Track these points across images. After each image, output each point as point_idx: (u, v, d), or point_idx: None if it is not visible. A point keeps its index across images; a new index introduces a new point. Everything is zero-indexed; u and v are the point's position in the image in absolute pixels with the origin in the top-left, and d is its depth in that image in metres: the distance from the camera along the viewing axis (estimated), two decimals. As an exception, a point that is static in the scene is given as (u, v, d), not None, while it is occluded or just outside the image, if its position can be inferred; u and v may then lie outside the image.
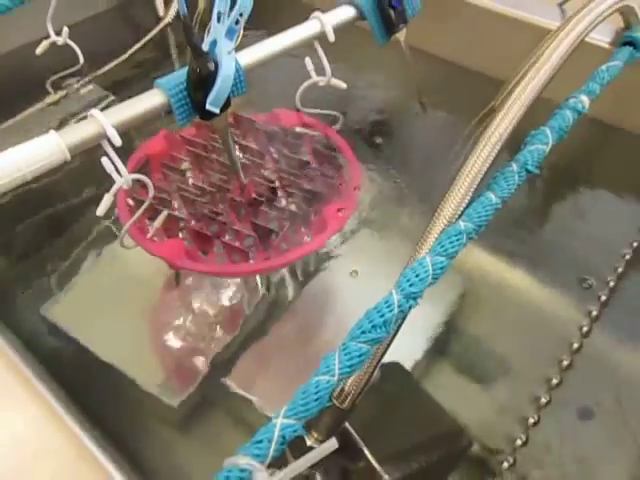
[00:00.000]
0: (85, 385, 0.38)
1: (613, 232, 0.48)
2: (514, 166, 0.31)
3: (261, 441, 0.20)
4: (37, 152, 0.32)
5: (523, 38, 0.49)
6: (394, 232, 0.50)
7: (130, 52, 0.60)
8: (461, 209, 0.29)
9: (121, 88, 0.59)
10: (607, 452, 0.37)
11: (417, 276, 0.25)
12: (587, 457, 0.37)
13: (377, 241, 0.50)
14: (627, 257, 0.45)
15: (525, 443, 0.37)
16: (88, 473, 0.24)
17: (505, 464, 0.36)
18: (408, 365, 0.41)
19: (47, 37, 0.52)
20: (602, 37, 0.49)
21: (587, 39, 0.47)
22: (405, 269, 0.26)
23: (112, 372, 0.41)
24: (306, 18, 0.43)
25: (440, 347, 0.43)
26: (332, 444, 0.21)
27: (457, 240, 0.27)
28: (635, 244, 0.46)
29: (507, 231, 0.50)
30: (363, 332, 0.23)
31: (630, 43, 0.44)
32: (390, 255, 0.48)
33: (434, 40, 0.60)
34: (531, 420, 0.38)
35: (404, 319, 0.28)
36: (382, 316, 0.24)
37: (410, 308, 0.25)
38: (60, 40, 0.51)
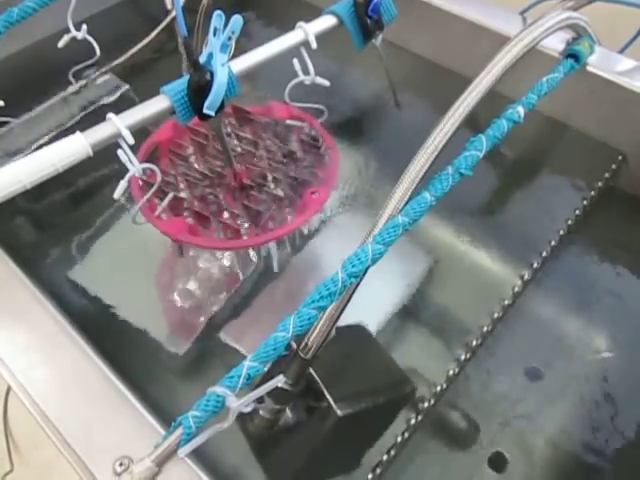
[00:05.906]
0: (105, 335, 0.44)
1: (553, 211, 0.55)
2: (449, 170, 0.37)
3: (233, 377, 0.28)
4: (66, 150, 0.37)
5: (488, 42, 0.55)
6: (371, 213, 0.57)
7: (142, 44, 0.64)
8: (401, 205, 0.35)
9: (135, 77, 0.64)
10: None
11: (359, 259, 0.32)
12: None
13: (355, 223, 0.56)
14: (561, 232, 0.52)
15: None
16: (109, 393, 0.33)
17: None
18: (374, 325, 0.48)
19: (66, 30, 0.55)
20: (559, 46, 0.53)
21: (545, 48, 0.53)
22: (351, 253, 0.33)
23: (128, 325, 0.49)
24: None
25: (401, 310, 0.50)
26: (279, 379, 0.29)
27: (394, 231, 0.34)
28: (569, 222, 0.53)
29: (468, 211, 0.57)
30: (313, 301, 0.30)
31: (572, 56, 0.48)
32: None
33: (410, 38, 0.64)
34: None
35: (356, 288, 0.35)
36: (328, 290, 0.31)
37: (351, 284, 0.32)
38: (79, 35, 0.55)
